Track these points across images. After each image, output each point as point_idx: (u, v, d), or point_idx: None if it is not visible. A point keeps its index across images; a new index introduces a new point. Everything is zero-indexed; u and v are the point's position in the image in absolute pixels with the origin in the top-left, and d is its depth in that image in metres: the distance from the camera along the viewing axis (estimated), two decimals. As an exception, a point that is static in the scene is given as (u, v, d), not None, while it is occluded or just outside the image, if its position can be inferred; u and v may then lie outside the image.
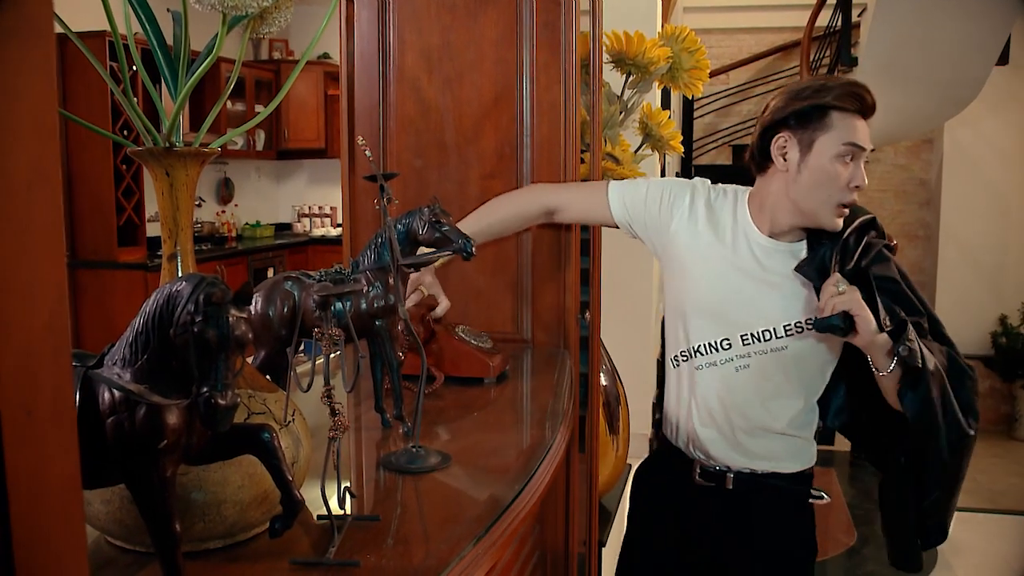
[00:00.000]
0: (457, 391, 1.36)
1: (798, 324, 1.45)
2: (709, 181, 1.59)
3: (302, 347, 1.33)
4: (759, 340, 1.46)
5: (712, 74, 5.18)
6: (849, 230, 1.44)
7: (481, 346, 1.44)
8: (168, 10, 0.86)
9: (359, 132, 1.69)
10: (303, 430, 0.88)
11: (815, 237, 1.47)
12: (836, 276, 1.38)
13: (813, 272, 1.43)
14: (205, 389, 0.63)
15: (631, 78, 1.97)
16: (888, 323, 1.37)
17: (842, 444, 4.86)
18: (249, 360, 1.09)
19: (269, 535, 0.74)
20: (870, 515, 4.22)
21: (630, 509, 1.73)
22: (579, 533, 1.70)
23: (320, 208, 7.14)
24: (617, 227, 1.61)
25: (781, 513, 1.54)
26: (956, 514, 1.49)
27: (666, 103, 4.68)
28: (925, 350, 1.35)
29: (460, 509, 0.91)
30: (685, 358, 1.54)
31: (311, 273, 1.11)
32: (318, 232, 6.98)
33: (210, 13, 0.81)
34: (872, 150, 1.43)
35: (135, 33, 0.86)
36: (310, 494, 0.80)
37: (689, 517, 1.59)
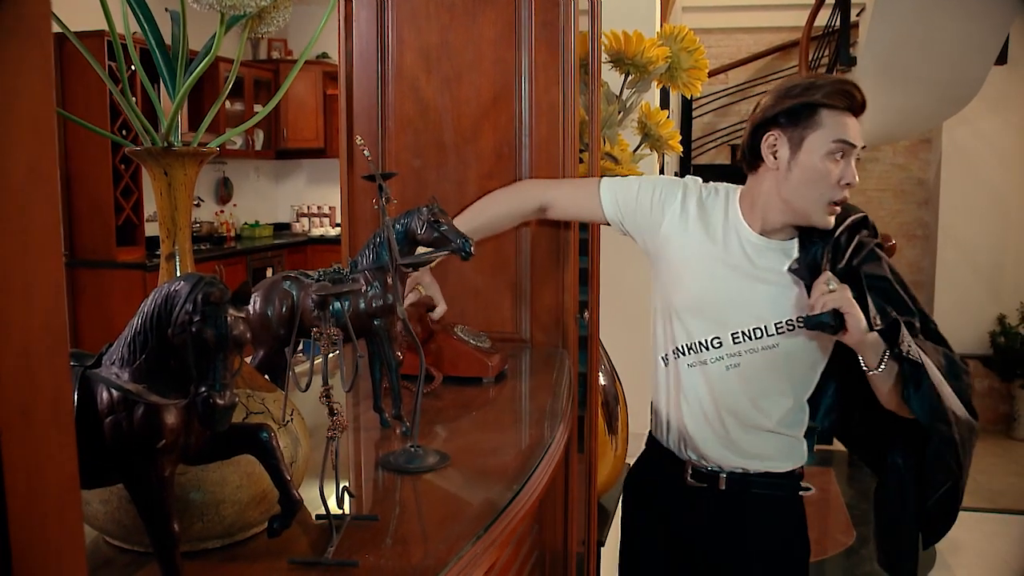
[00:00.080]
0: (455, 391, 1.36)
1: (789, 322, 1.45)
2: (700, 179, 1.59)
3: (300, 347, 1.33)
4: (750, 338, 1.46)
5: (711, 74, 5.18)
6: (841, 228, 1.44)
7: (480, 346, 1.44)
8: (166, 10, 0.85)
9: (358, 132, 1.69)
10: (301, 430, 0.88)
11: (806, 235, 1.47)
12: (827, 274, 1.38)
13: (804, 270, 1.43)
14: (203, 389, 0.63)
15: (630, 78, 1.97)
16: (878, 322, 1.37)
17: (841, 444, 4.85)
18: (247, 360, 1.09)
19: (267, 535, 0.74)
20: (868, 515, 4.20)
21: (623, 513, 1.73)
22: (578, 533, 1.70)
23: (319, 208, 7.13)
24: (608, 224, 1.61)
25: (774, 513, 1.54)
26: (955, 513, 1.48)
27: (665, 103, 4.67)
28: (919, 350, 1.35)
29: (459, 509, 0.91)
30: (675, 356, 1.54)
31: (310, 273, 1.11)
32: (317, 232, 6.98)
33: (208, 13, 0.81)
34: (863, 147, 1.43)
35: (133, 33, 0.86)
36: (308, 494, 0.80)
37: (681, 519, 1.59)
